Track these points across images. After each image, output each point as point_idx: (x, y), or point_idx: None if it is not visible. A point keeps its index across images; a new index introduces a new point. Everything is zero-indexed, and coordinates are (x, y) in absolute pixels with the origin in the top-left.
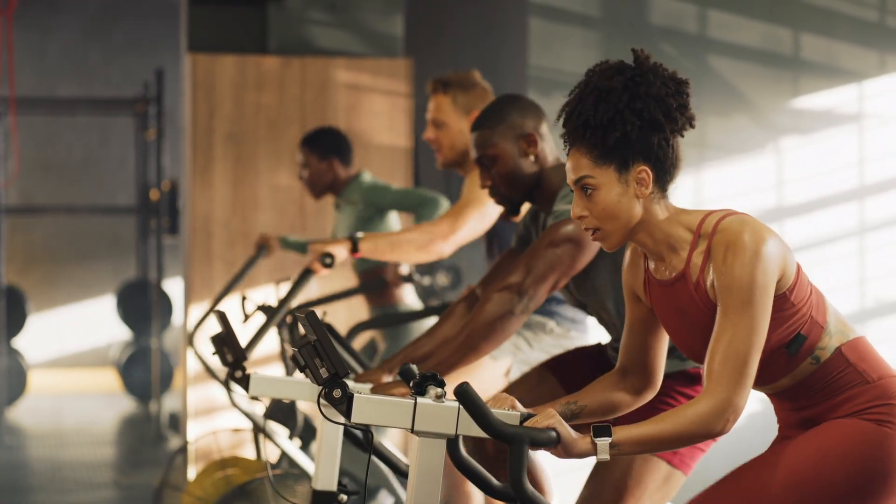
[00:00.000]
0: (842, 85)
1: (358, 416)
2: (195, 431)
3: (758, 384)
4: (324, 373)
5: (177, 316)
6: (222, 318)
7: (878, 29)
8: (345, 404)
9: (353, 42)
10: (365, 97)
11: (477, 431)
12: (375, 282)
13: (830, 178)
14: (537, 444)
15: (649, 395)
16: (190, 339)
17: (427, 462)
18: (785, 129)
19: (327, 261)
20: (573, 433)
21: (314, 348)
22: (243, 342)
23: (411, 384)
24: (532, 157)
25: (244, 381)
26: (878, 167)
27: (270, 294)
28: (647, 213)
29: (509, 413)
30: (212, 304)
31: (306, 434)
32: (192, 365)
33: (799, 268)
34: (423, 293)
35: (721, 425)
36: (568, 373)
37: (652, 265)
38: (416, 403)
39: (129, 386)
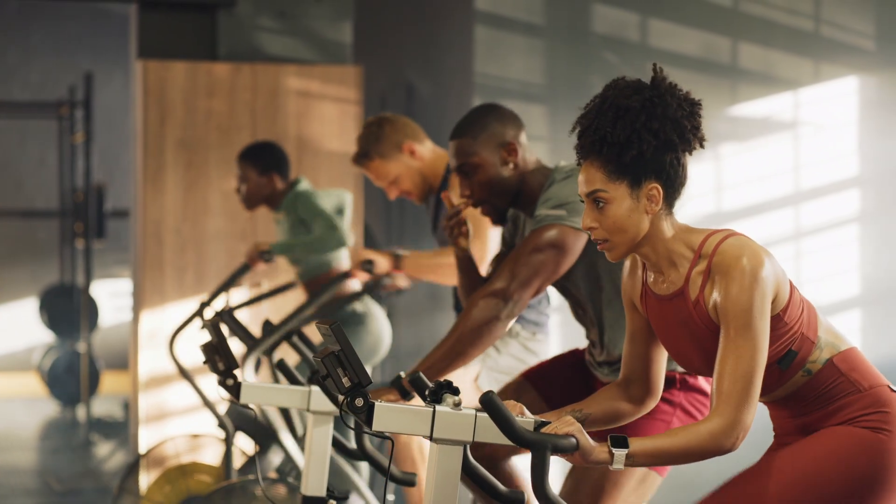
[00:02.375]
0: (778, 93)
1: (378, 424)
2: (145, 438)
3: None
4: (346, 382)
5: (103, 320)
6: (215, 326)
7: (812, 38)
8: (365, 413)
9: (303, 49)
10: (315, 104)
11: (493, 438)
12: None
13: (767, 184)
14: (558, 451)
15: (651, 405)
16: (171, 342)
17: (445, 469)
18: (723, 136)
19: (368, 266)
20: (591, 441)
21: (337, 358)
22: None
23: (426, 392)
24: (512, 165)
25: (235, 389)
26: (812, 173)
27: (225, 300)
28: (653, 227)
29: (524, 420)
30: (197, 309)
31: (266, 441)
32: (143, 370)
33: (792, 287)
34: (370, 291)
35: (731, 442)
36: (547, 383)
37: (650, 277)
38: (434, 411)
39: (54, 390)
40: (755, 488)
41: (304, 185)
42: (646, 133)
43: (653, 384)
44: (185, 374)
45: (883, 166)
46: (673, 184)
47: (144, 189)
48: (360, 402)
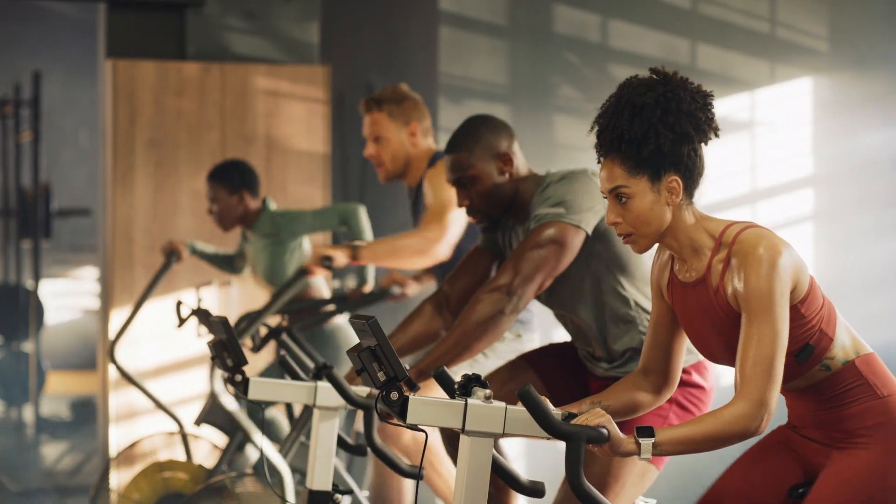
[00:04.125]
0: (735, 93)
1: (412, 417)
2: (114, 437)
3: None
4: (381, 376)
5: (49, 319)
6: (224, 324)
7: (768, 40)
8: (399, 406)
9: (270, 49)
10: (283, 103)
11: (523, 430)
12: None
13: (724, 183)
14: (591, 442)
15: (668, 395)
16: (111, 348)
17: (476, 460)
18: None
19: (327, 263)
20: (621, 433)
21: (373, 353)
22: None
23: (455, 387)
24: (507, 175)
25: (243, 386)
26: (768, 173)
27: (193, 298)
28: (675, 218)
29: (554, 412)
30: (130, 314)
31: (244, 438)
32: (112, 371)
33: (812, 282)
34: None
35: (756, 425)
36: (545, 364)
37: (677, 266)
38: (466, 404)
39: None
40: None
41: (274, 205)
42: (662, 128)
43: (671, 374)
44: (130, 380)
45: (837, 166)
46: (692, 174)
47: (114, 188)
48: (395, 395)
